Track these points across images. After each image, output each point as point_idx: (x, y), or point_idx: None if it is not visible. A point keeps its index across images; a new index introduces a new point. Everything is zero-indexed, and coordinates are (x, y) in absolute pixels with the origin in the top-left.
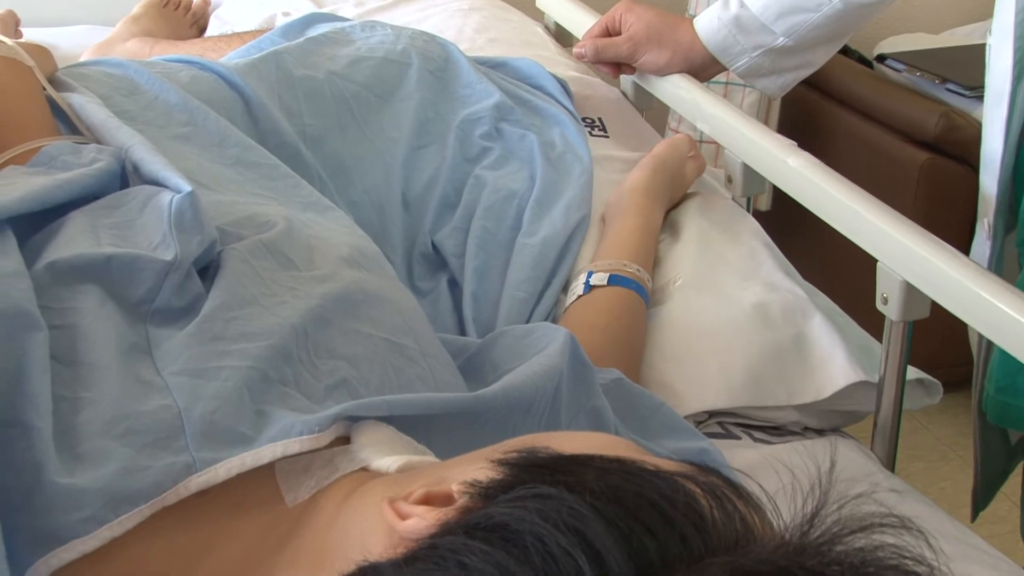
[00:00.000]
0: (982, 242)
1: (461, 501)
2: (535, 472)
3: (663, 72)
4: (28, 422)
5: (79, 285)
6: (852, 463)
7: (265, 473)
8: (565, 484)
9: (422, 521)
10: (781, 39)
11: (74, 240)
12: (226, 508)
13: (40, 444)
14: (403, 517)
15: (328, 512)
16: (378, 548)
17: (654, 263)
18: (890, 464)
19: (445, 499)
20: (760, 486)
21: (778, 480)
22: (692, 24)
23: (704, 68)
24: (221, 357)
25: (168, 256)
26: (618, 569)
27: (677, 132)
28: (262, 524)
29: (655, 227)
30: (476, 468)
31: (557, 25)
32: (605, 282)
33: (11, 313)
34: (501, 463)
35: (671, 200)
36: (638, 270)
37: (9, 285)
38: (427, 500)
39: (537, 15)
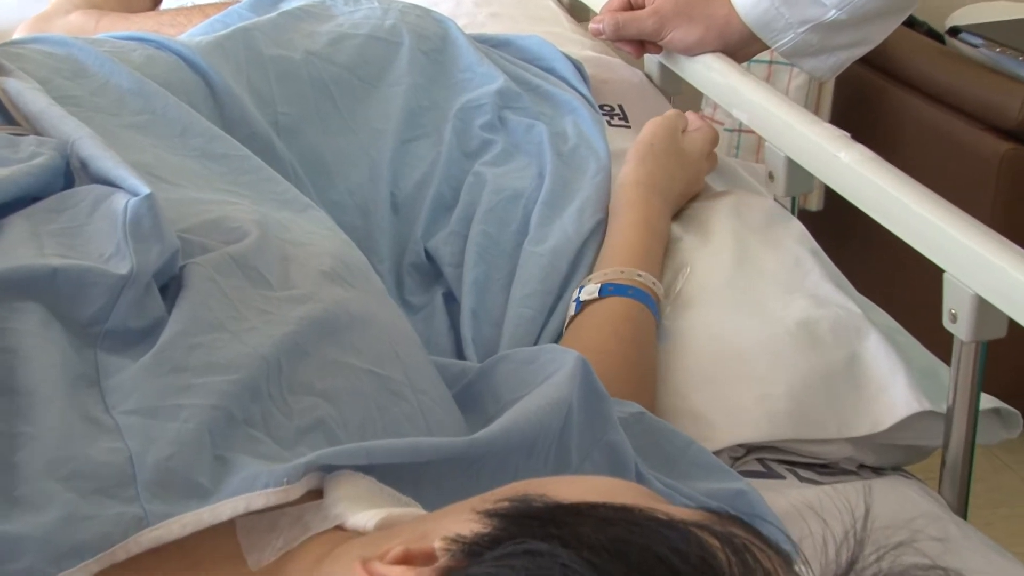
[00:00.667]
0: None
1: (443, 560)
2: (527, 524)
3: (694, 51)
4: None
5: (19, 302)
6: (914, 507)
7: (226, 530)
8: (559, 538)
9: None
10: (832, 12)
11: (13, 249)
12: (182, 568)
13: None
14: None
15: None
16: None
17: (679, 270)
18: (961, 509)
19: (426, 557)
20: (788, 536)
21: (822, 526)
22: None
23: (742, 46)
24: (181, 393)
25: (123, 269)
26: None
27: (713, 121)
28: None
29: (656, 220)
30: (462, 521)
31: None
32: (596, 294)
33: None
34: (489, 514)
35: (677, 186)
36: (638, 275)
37: None
38: (406, 559)
39: None
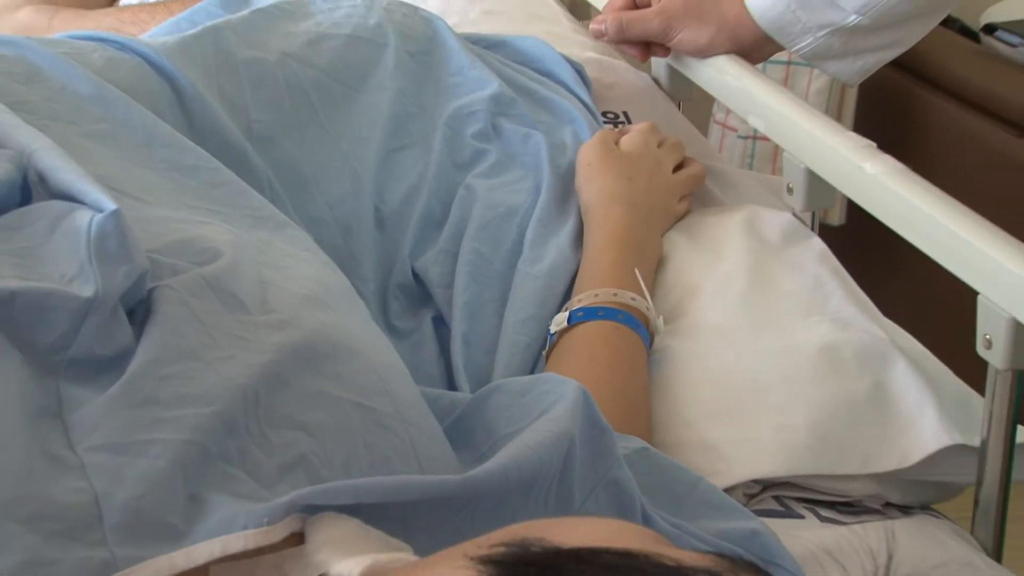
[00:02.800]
0: None
1: None
2: (524, 573)
3: (705, 53)
4: None
5: None
6: (944, 550)
7: (202, 574)
8: None
9: None
10: (853, 17)
11: None
12: None
13: None
14: None
15: None
16: None
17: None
18: (996, 552)
19: None
20: None
21: (842, 573)
22: None
23: (756, 48)
24: (152, 428)
25: (87, 292)
26: None
27: (725, 128)
28: None
29: (625, 231)
30: (455, 569)
31: None
32: (565, 322)
33: None
34: (484, 561)
35: (638, 185)
36: (613, 294)
37: None
38: None
39: None
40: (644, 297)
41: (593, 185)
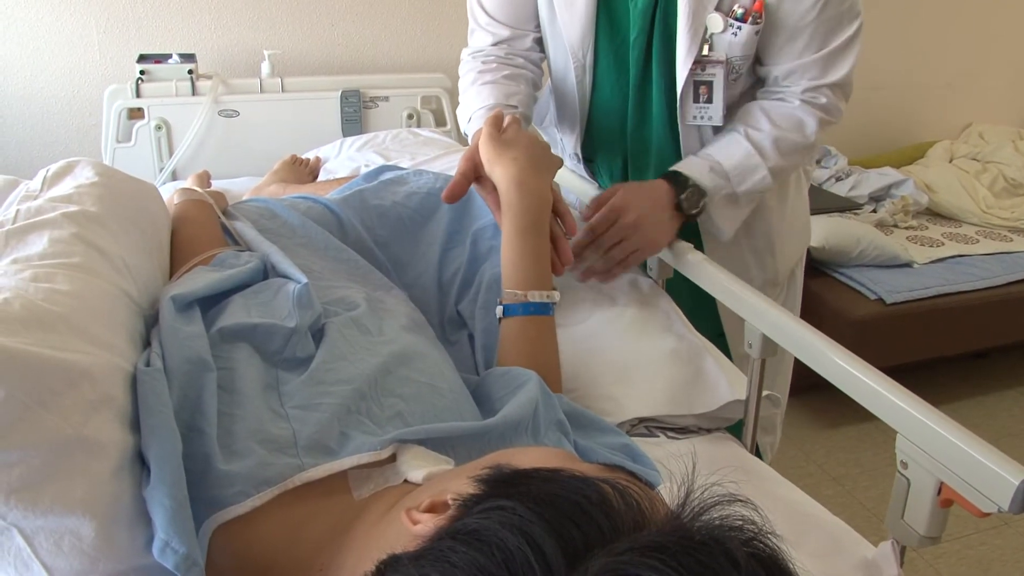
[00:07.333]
0: None
1: (451, 511)
2: (499, 486)
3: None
4: (202, 428)
5: (236, 343)
6: (731, 453)
7: (343, 475)
8: (518, 495)
9: (425, 527)
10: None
11: (234, 314)
12: (320, 495)
13: (209, 443)
14: (415, 523)
15: (377, 512)
16: (404, 546)
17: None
18: (755, 453)
19: (443, 507)
20: (656, 469)
21: (675, 468)
22: None
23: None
24: (322, 396)
25: (292, 324)
26: (553, 556)
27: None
28: (340, 509)
29: (525, 241)
30: (462, 483)
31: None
32: (503, 314)
33: (195, 360)
34: (477, 480)
35: (522, 156)
36: (526, 295)
37: (195, 342)
38: (432, 508)
39: None
40: (547, 290)
41: (496, 170)
